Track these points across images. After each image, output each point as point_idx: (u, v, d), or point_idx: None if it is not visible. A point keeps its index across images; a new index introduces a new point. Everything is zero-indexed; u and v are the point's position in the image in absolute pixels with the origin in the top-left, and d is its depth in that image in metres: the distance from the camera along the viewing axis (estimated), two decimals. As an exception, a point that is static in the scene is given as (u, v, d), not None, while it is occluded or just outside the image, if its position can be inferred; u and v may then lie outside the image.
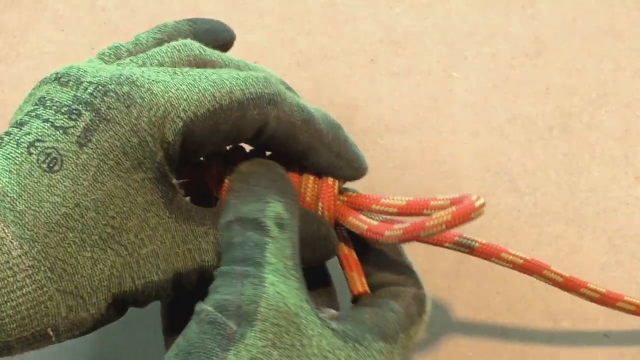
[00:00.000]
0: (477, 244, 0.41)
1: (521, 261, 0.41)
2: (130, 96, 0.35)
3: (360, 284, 0.40)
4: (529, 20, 0.54)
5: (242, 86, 0.36)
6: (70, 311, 0.34)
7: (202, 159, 0.40)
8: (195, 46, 0.39)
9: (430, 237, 0.37)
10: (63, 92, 0.35)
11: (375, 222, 0.39)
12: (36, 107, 0.35)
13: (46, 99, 0.35)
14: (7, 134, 0.34)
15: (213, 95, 0.35)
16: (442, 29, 0.54)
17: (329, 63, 0.53)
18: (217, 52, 0.40)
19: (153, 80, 0.35)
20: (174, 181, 0.36)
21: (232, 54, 0.53)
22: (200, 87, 0.36)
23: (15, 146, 0.34)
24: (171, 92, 0.35)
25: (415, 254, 0.42)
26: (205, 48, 0.39)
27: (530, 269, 0.41)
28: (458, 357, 0.46)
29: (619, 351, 0.47)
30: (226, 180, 0.39)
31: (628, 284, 0.48)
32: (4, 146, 0.34)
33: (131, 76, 0.35)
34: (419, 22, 0.54)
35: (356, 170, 0.41)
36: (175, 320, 0.39)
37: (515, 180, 0.50)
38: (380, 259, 0.41)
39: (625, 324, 0.47)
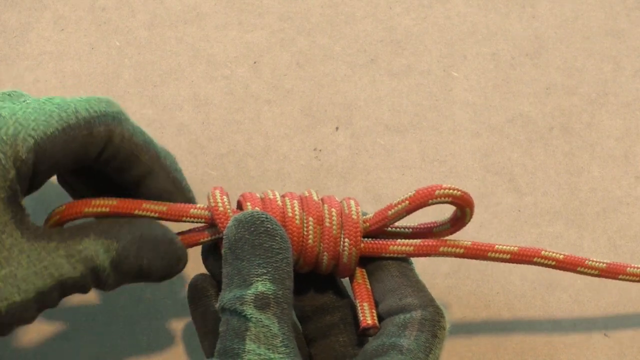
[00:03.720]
0: (469, 243, 0.41)
1: (516, 249, 0.42)
2: None
3: (370, 317, 0.41)
4: (529, 20, 0.54)
5: (87, 105, 0.39)
6: None
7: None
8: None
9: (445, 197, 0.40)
10: None
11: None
12: None
13: None
14: None
15: (60, 116, 0.38)
16: (442, 29, 0.54)
17: (329, 63, 0.53)
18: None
19: (0, 106, 0.37)
20: (23, 202, 0.37)
21: (232, 52, 0.53)
22: (46, 109, 0.38)
23: None
24: (19, 114, 0.37)
25: (415, 253, 0.42)
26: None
27: (525, 254, 0.42)
28: (458, 357, 0.46)
29: (619, 351, 0.47)
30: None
31: (628, 283, 0.48)
32: None
33: None
34: (419, 22, 0.54)
35: (189, 201, 0.43)
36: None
37: (515, 180, 0.50)
38: (386, 283, 0.41)
39: (625, 324, 0.47)
